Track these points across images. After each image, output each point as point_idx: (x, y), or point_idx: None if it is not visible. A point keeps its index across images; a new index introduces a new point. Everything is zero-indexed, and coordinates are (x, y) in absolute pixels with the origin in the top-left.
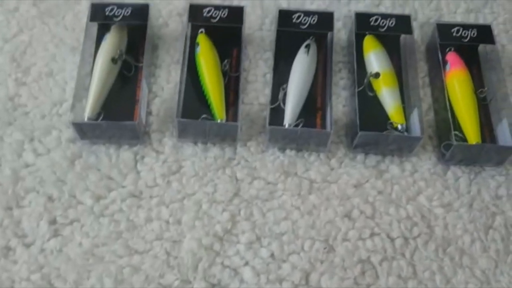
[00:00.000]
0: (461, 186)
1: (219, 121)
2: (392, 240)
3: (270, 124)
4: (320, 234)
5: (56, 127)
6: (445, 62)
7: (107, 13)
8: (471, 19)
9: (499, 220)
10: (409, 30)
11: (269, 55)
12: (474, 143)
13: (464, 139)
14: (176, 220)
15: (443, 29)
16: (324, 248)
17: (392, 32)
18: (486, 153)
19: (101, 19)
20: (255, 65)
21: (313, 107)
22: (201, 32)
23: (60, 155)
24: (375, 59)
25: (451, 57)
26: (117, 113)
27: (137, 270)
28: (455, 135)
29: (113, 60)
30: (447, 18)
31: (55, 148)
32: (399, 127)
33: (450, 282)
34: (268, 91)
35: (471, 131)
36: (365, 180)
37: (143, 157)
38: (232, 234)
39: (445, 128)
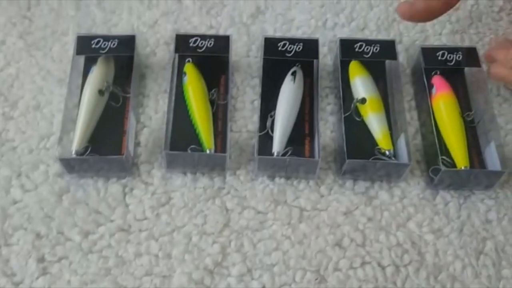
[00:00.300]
0: (451, 211)
1: (207, 151)
2: (383, 268)
3: (259, 151)
4: (311, 264)
5: (43, 162)
6: (431, 86)
7: (93, 46)
8: (456, 40)
9: (490, 245)
10: (393, 56)
11: (257, 82)
12: (462, 167)
13: (452, 163)
14: (165, 254)
15: (428, 53)
16: (316, 279)
17: (376, 58)
18: (475, 177)
19: (87, 52)
20: (242, 92)
21: (301, 133)
22: (188, 61)
23: (47, 190)
24: (360, 84)
25: (437, 80)
26: (105, 145)
27: None
28: (443, 159)
29: (100, 92)
30: (433, 40)
31: (43, 183)
32: (387, 153)
33: None
34: (256, 118)
35: (459, 155)
36: (355, 207)
37: (131, 190)
38: (223, 267)
39: (432, 152)
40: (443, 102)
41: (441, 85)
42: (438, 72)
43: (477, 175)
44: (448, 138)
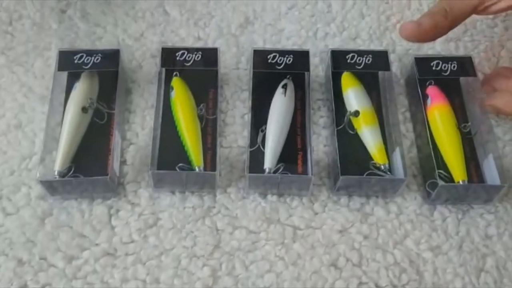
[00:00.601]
0: (449, 227)
1: (196, 168)
2: None
3: (250, 168)
4: (306, 286)
5: (25, 183)
6: (425, 96)
7: (76, 61)
8: (451, 48)
9: (491, 262)
10: (386, 67)
11: (247, 95)
12: (460, 181)
13: (450, 177)
14: (154, 279)
15: (422, 63)
16: None
17: (369, 69)
18: (473, 191)
19: (70, 67)
20: (232, 105)
21: (294, 148)
22: (175, 75)
23: (29, 213)
24: (353, 96)
25: (432, 91)
26: (89, 165)
27: None
28: (440, 173)
29: (84, 110)
30: (426, 49)
31: (25, 206)
32: (382, 167)
33: None
34: (246, 132)
35: (457, 169)
36: (350, 225)
37: (117, 211)
38: None
39: (429, 166)
40: (438, 113)
41: (436, 96)
42: (433, 82)
43: (475, 189)
44: (445, 151)
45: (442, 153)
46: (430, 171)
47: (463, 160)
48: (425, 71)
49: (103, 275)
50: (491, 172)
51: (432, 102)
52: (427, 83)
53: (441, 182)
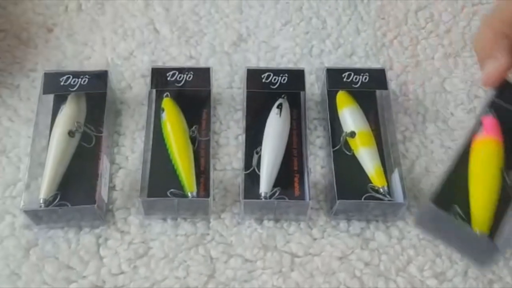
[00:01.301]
0: (454, 252)
1: (189, 194)
2: None
3: (245, 191)
4: None
5: (9, 212)
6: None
7: (62, 83)
8: (450, 64)
9: None
10: (383, 85)
11: (241, 115)
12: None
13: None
14: None
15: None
16: None
17: (366, 88)
18: None
19: (55, 90)
20: (226, 126)
21: (290, 170)
22: (166, 96)
23: (14, 244)
24: (349, 116)
25: (488, 121)
26: (76, 192)
27: None
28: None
29: (70, 133)
30: (425, 65)
31: (9, 236)
32: (381, 190)
33: None
34: (241, 154)
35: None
36: (350, 251)
37: (106, 240)
38: None
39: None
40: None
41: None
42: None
43: None
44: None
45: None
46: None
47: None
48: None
49: None
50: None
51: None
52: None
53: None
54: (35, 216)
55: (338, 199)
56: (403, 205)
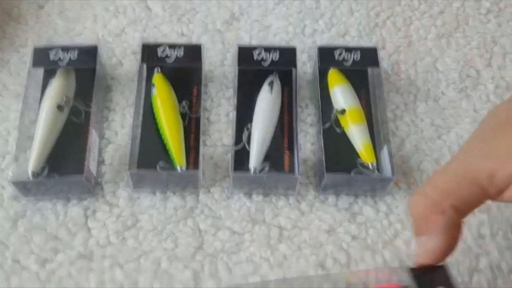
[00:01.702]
0: None
1: (178, 168)
2: None
3: (235, 166)
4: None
5: None
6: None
7: (51, 58)
8: (442, 44)
9: (484, 262)
10: (375, 63)
11: (232, 93)
12: None
13: None
14: (132, 283)
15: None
16: None
17: (358, 66)
18: None
19: (45, 64)
20: (217, 103)
21: (280, 147)
22: (157, 71)
23: (2, 215)
24: (340, 94)
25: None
26: (65, 164)
27: None
28: None
29: (59, 108)
30: (417, 46)
31: None
32: (369, 166)
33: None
34: (231, 131)
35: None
36: (338, 225)
37: (94, 212)
38: None
39: None
40: None
41: None
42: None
43: None
44: None
45: None
46: None
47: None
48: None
49: (78, 279)
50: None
51: None
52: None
53: None
54: (23, 187)
55: (326, 172)
56: (391, 180)
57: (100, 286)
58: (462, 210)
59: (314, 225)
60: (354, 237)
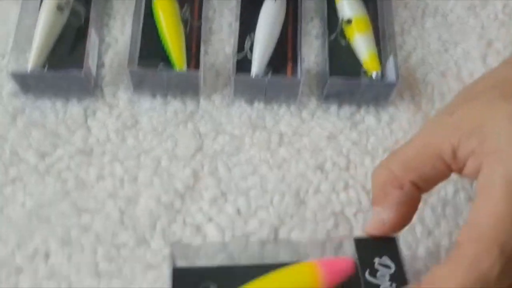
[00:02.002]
0: None
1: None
2: (368, 192)
3: (236, 74)
4: (291, 187)
5: None
6: None
7: None
8: None
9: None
10: None
11: (235, 4)
12: None
13: None
14: (131, 178)
15: None
16: None
17: None
18: None
19: None
20: (219, 14)
21: (283, 57)
22: None
23: (0, 110)
24: (347, 5)
25: None
26: (64, 63)
27: (86, 230)
28: None
29: (59, 8)
30: None
31: None
32: (374, 74)
33: (432, 233)
34: (234, 40)
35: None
36: (339, 132)
37: (94, 112)
38: (195, 191)
39: None
40: None
41: None
42: None
43: None
44: None
45: None
46: None
47: None
48: None
49: (77, 172)
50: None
51: None
52: None
53: None
54: (22, 82)
55: (329, 76)
56: (394, 85)
57: (99, 179)
58: (422, 186)
59: (315, 132)
60: (354, 143)
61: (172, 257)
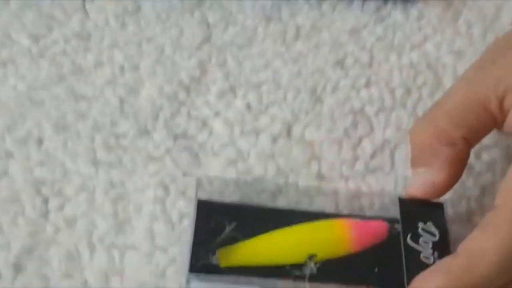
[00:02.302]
0: (475, 33)
1: None
2: (392, 89)
3: None
4: (307, 83)
5: None
6: None
7: None
8: None
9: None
10: None
11: None
12: None
13: None
14: (132, 66)
15: None
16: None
17: None
18: None
19: None
20: None
21: None
22: None
23: None
24: None
25: None
26: None
27: (83, 116)
28: None
29: None
30: None
31: None
32: None
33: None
34: None
35: None
36: (362, 26)
37: None
38: (201, 84)
39: None
40: None
41: None
42: None
43: None
44: None
45: None
46: None
47: None
48: None
49: (74, 57)
50: None
51: None
52: None
53: None
54: None
55: None
56: None
57: (97, 65)
58: (471, 141)
59: (335, 26)
60: (379, 38)
61: (197, 189)
